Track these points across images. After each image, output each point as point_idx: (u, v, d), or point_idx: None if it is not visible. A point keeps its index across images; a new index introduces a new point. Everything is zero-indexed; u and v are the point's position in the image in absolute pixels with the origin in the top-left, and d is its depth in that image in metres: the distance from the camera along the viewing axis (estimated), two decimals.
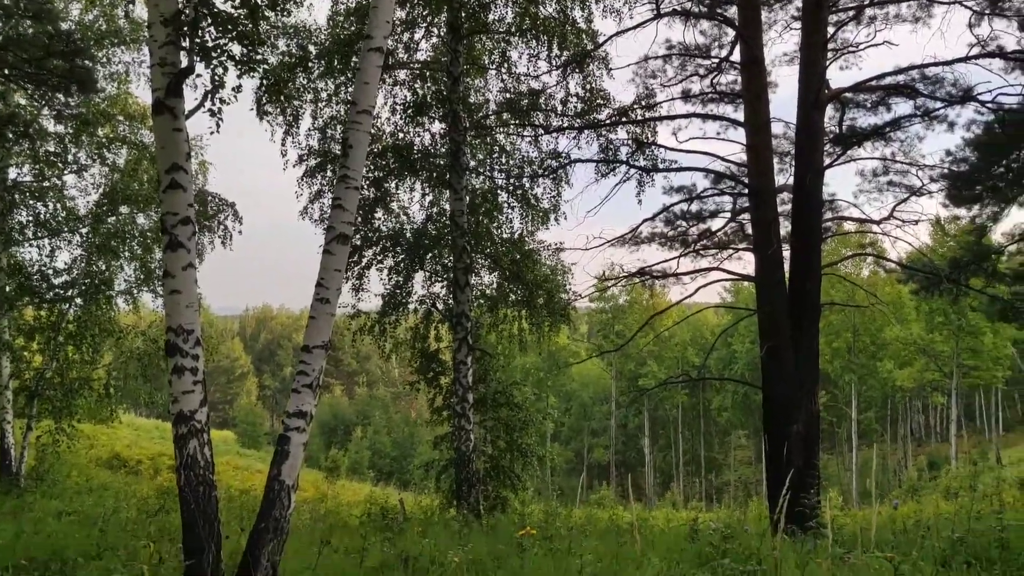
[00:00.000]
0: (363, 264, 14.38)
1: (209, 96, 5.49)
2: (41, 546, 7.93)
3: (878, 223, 11.77)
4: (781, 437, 10.46)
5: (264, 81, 7.71)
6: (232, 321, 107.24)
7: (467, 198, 14.11)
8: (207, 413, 5.35)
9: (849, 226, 15.16)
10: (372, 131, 7.33)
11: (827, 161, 11.51)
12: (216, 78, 5.43)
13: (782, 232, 11.71)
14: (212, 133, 5.37)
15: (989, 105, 10.49)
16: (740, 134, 11.56)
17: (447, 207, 14.52)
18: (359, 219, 14.01)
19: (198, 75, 5.48)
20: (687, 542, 7.08)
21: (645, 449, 63.43)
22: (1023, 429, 61.45)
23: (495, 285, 15.63)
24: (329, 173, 13.99)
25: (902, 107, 12.03)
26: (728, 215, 13.36)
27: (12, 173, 14.61)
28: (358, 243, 14.09)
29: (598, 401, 67.19)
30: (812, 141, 10.83)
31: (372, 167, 14.00)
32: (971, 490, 25.69)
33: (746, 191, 11.97)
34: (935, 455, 53.01)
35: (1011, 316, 14.70)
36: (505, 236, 14.97)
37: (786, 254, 11.40)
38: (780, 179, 12.36)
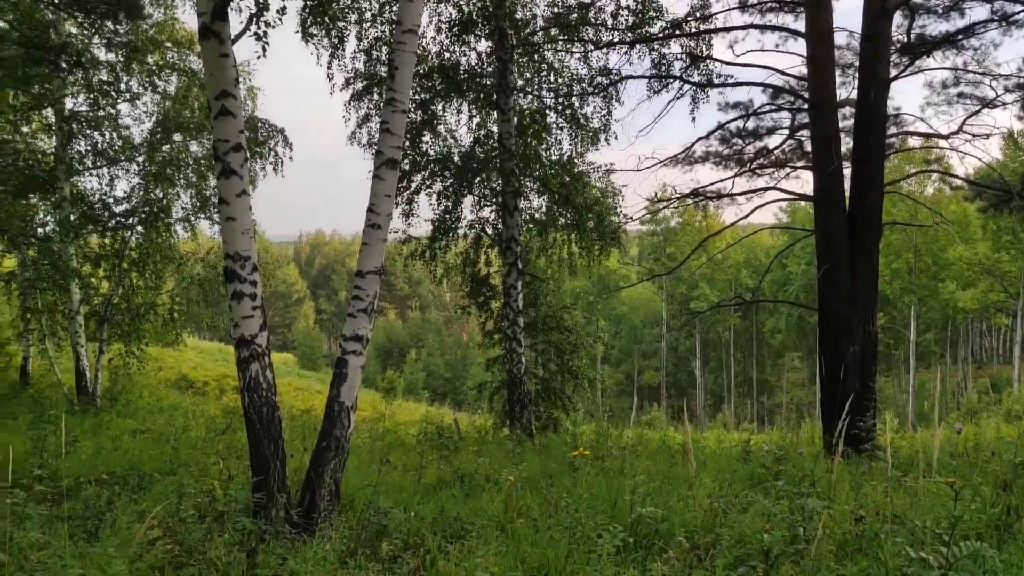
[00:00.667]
0: (412, 189, 14.37)
1: (254, 19, 5.41)
2: (119, 462, 8.42)
3: (946, 138, 11.15)
4: (837, 359, 10.30)
5: (308, 2, 7.56)
6: (287, 247, 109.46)
7: (515, 119, 13.85)
8: (267, 337, 5.49)
9: (914, 142, 14.45)
10: (418, 51, 7.16)
11: (893, 73, 10.86)
12: (260, 0, 5.34)
13: (843, 149, 11.23)
14: (259, 58, 5.31)
15: None
16: (800, 45, 10.96)
17: (495, 129, 14.31)
18: (407, 143, 13.93)
19: None
20: (739, 463, 7.12)
21: (696, 371, 63.55)
22: None
23: (544, 209, 15.49)
24: (376, 96, 13.84)
25: (977, 12, 11.24)
26: (786, 132, 12.85)
27: (68, 103, 14.87)
28: (407, 168, 14.05)
29: (648, 324, 67.15)
30: (878, 51, 10.21)
31: (418, 89, 13.81)
32: None
33: (806, 106, 11.44)
34: (996, 378, 51.77)
35: None
36: (554, 158, 14.73)
37: (846, 172, 10.96)
38: (842, 93, 11.74)
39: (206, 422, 13.64)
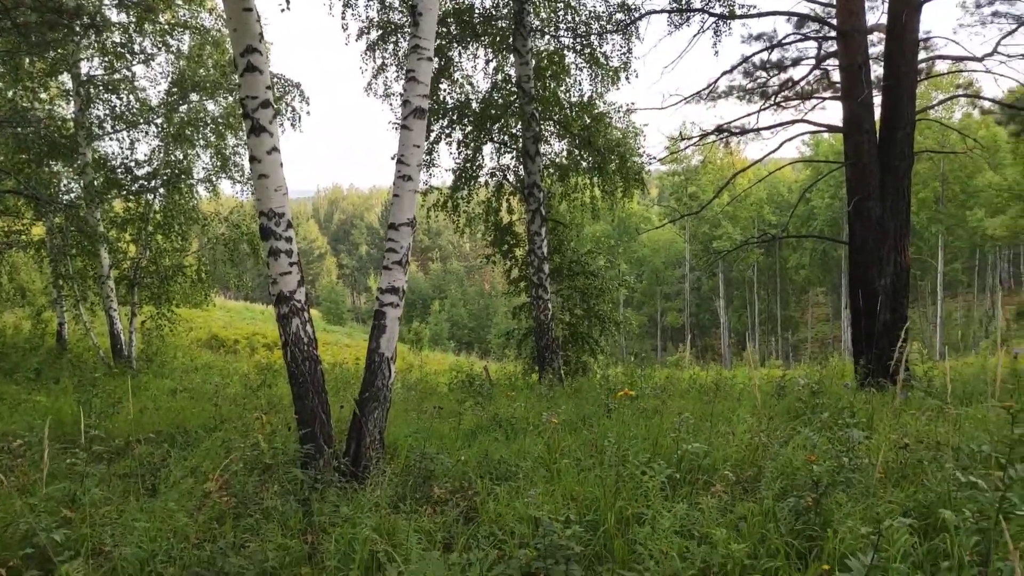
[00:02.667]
0: (431, 139, 14.26)
1: None
2: (163, 420, 8.64)
3: (980, 60, 10.81)
4: (868, 292, 10.23)
5: None
6: (305, 204, 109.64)
7: (533, 62, 13.60)
8: (305, 292, 5.55)
9: (942, 66, 14.04)
10: None
11: None
12: None
13: (872, 78, 10.93)
14: (283, 11, 5.24)
15: None
16: None
17: (512, 73, 14.07)
18: None
19: None
20: (774, 399, 7.15)
21: (720, 311, 63.39)
22: None
23: (565, 153, 15.32)
24: (391, 46, 13.64)
25: None
26: (812, 62, 12.51)
27: (84, 68, 14.83)
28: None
29: (671, 265, 66.88)
30: None
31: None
32: None
33: (833, 34, 11.12)
34: None
35: None
36: (574, 100, 14.49)
37: (876, 101, 10.69)
38: (871, 18, 11.40)
39: (241, 379, 13.92)
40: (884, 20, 10.45)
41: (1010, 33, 10.76)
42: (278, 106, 15.35)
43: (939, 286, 52.82)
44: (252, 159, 5.30)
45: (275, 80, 15.37)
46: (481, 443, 6.09)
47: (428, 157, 14.30)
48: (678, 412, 6.53)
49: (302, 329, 5.39)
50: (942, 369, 11.45)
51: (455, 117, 14.19)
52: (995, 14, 11.06)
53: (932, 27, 16.53)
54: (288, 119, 15.54)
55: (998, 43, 10.66)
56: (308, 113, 15.67)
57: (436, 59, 13.83)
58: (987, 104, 13.73)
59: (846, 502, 3.52)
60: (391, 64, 13.86)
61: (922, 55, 11.82)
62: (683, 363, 28.07)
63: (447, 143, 14.40)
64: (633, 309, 71.40)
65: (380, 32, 13.47)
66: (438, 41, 13.77)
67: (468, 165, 14.58)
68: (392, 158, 6.01)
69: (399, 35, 13.50)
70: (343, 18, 12.63)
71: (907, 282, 10.60)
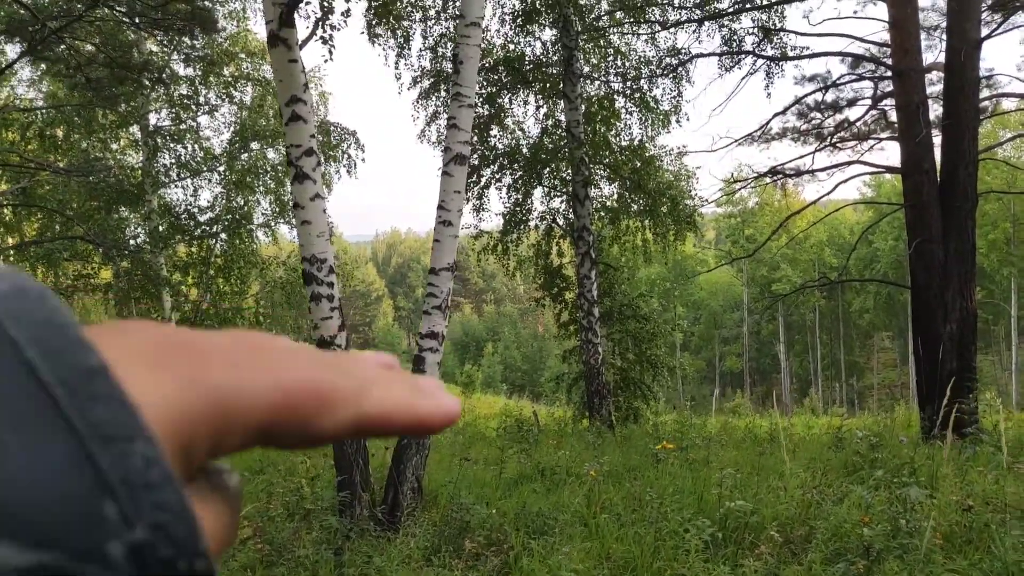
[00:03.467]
0: (482, 184, 14.40)
1: (320, 23, 5.47)
2: None
3: None
4: (932, 338, 9.77)
5: (372, 2, 7.62)
6: (364, 247, 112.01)
7: (582, 107, 13.68)
8: (347, 336, 5.56)
9: (1008, 104, 13.57)
10: (482, 45, 7.13)
11: (984, 32, 10.20)
12: (325, 4, 5.39)
13: (931, 117, 10.62)
14: (326, 61, 5.37)
15: None
16: (881, 10, 10.42)
17: (562, 118, 14.17)
18: (475, 138, 13.97)
19: (307, 2, 5.45)
20: (831, 451, 6.82)
21: (780, 355, 61.74)
22: None
23: (616, 196, 15.28)
24: (443, 93, 13.91)
25: None
26: (868, 102, 12.25)
27: (152, 119, 15.54)
28: (476, 162, 14.07)
29: (729, 309, 65.69)
30: (966, 8, 9.59)
31: (484, 82, 13.81)
32: None
33: (888, 74, 10.87)
34: None
35: None
36: (624, 144, 14.49)
37: (936, 141, 10.37)
38: (928, 57, 11.13)
39: None
40: (942, 58, 10.17)
41: None
42: (335, 153, 15.77)
43: (1013, 331, 50.42)
44: (295, 205, 5.39)
45: (332, 128, 15.83)
46: (521, 493, 5.95)
47: (479, 201, 14.44)
48: (728, 464, 6.28)
49: None
50: (1017, 421, 10.82)
51: (505, 162, 14.33)
52: None
53: (995, 64, 16.17)
54: (344, 166, 15.95)
55: None
56: (363, 160, 16.05)
57: (487, 106, 14.06)
58: None
59: (901, 570, 3.28)
60: (443, 111, 14.13)
61: (985, 93, 11.46)
62: (741, 409, 27.29)
63: (497, 188, 14.54)
64: (691, 353, 70.11)
65: (432, 80, 13.76)
66: (490, 88, 14.02)
67: (518, 209, 14.64)
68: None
69: (450, 82, 13.78)
70: (396, 67, 12.96)
71: (974, 328, 10.11)
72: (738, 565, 3.60)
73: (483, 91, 13.89)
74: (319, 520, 4.85)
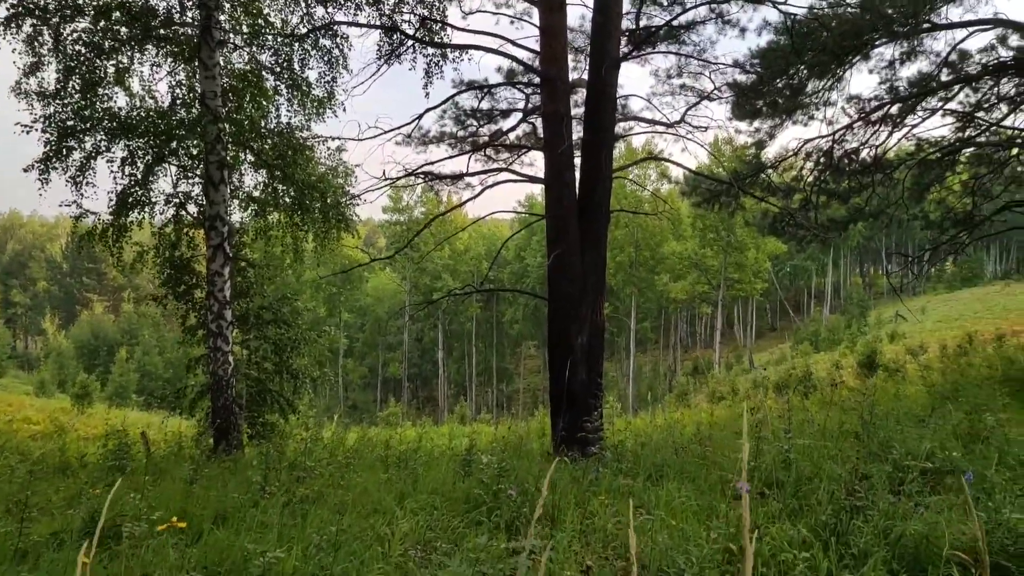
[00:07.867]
0: (88, 152, 11.67)
1: None
2: None
3: (670, 125, 11.28)
4: (565, 349, 9.85)
5: None
6: None
7: (223, 77, 11.80)
8: None
9: (640, 131, 14.82)
10: None
11: (624, 51, 10.71)
12: None
13: (575, 136, 10.87)
14: None
15: (781, 7, 10.11)
16: (535, 17, 10.37)
17: (199, 88, 12.10)
18: (76, 96, 11.28)
19: None
20: (459, 478, 6.09)
21: (440, 361, 63.86)
22: (771, 335, 69.62)
23: (263, 185, 13.57)
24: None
25: (701, 9, 11.48)
26: (520, 114, 12.31)
27: None
28: (73, 124, 11.33)
29: (393, 316, 66.36)
30: (608, 27, 9.89)
31: (98, 31, 11.21)
32: (732, 394, 28.01)
33: (540, 86, 10.91)
34: (700, 360, 58.34)
35: (780, 229, 15.32)
36: (272, 126, 12.88)
37: (578, 160, 10.61)
38: (575, 76, 11.43)
39: None
40: (587, 76, 10.43)
41: (695, 105, 11.37)
42: None
43: (632, 342, 58.34)
44: None
45: None
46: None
47: (80, 174, 11.67)
48: (341, 504, 5.22)
49: None
50: (633, 429, 11.48)
51: (116, 128, 11.75)
52: (683, 87, 11.68)
53: (634, 91, 17.88)
54: None
55: (685, 113, 11.20)
56: None
57: (104, 61, 11.46)
58: (676, 173, 14.62)
59: None
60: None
61: (622, 116, 12.16)
62: (394, 418, 26.94)
63: (108, 161, 11.90)
64: (355, 359, 69.41)
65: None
66: (108, 41, 11.47)
67: (136, 188, 12.16)
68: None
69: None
70: None
71: (603, 341, 10.47)
72: None
73: (94, 39, 11.28)
74: None
